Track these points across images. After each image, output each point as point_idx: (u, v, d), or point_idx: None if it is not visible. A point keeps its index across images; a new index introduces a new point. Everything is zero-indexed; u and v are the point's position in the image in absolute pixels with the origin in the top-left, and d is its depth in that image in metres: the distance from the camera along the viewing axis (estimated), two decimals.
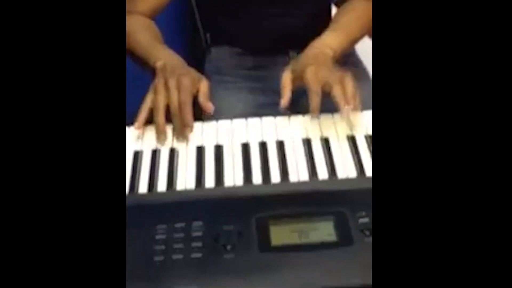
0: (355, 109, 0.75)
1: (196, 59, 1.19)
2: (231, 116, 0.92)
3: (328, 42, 0.88)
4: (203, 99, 0.78)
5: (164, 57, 0.84)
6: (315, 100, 0.75)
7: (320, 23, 1.07)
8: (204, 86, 0.80)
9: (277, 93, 1.04)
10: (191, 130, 0.76)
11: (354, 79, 0.78)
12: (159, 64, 0.81)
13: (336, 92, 0.74)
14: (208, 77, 1.09)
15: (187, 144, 0.75)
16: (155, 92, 0.76)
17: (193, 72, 0.82)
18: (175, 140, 0.76)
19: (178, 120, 0.75)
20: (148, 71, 0.86)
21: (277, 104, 1.03)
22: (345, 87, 0.75)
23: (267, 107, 1.02)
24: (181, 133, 0.76)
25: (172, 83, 0.76)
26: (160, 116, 0.75)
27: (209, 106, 0.78)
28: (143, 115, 0.76)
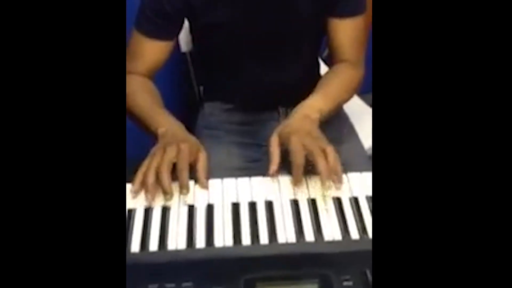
0: (337, 181, 0.79)
1: (189, 113, 1.24)
2: (222, 170, 0.95)
3: (315, 106, 0.92)
4: (200, 175, 0.80)
5: (165, 123, 0.86)
6: (297, 173, 0.78)
7: (309, 79, 1.12)
8: (202, 158, 0.81)
9: (266, 149, 1.08)
10: (187, 193, 0.77)
11: (339, 139, 0.82)
12: (160, 131, 0.84)
13: (319, 166, 0.77)
14: (201, 131, 1.13)
15: (179, 203, 0.78)
16: (152, 156, 0.78)
17: (192, 140, 0.84)
18: (167, 199, 0.78)
19: (166, 183, 0.76)
20: (147, 133, 0.89)
21: (265, 160, 1.07)
22: (328, 160, 0.78)
23: (258, 162, 1.06)
24: (166, 191, 0.76)
25: (170, 149, 0.78)
26: (151, 177, 0.76)
27: (205, 185, 0.79)
28: (139, 178, 0.78)
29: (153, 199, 0.76)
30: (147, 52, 0.98)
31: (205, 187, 0.79)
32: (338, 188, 0.79)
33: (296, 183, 0.78)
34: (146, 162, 0.78)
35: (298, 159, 0.78)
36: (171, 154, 0.77)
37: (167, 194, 0.76)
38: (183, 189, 0.77)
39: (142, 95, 0.94)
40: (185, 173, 0.77)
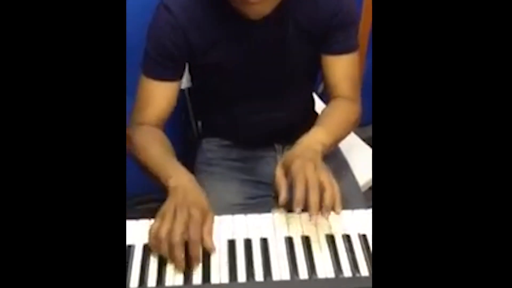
0: (331, 214, 0.79)
1: (188, 148, 1.27)
2: (220, 207, 0.97)
3: (317, 138, 0.93)
4: (207, 238, 0.77)
5: (176, 175, 0.86)
6: (299, 193, 0.78)
7: (305, 117, 1.16)
8: (210, 222, 0.80)
9: (264, 185, 1.11)
10: (198, 264, 0.76)
11: (334, 175, 0.84)
12: (171, 184, 0.84)
13: (310, 201, 0.77)
14: (199, 167, 1.16)
15: None
16: (163, 218, 0.76)
17: (203, 202, 0.82)
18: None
19: (178, 255, 0.74)
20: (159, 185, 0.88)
21: (263, 196, 1.10)
22: (324, 193, 0.79)
23: (255, 198, 1.09)
24: (181, 266, 0.74)
25: (181, 215, 0.76)
26: (164, 248, 0.74)
27: (212, 247, 0.77)
28: (153, 244, 0.76)
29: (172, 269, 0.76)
30: (159, 96, 0.99)
31: (212, 250, 0.78)
32: (329, 223, 0.80)
33: (297, 204, 0.77)
34: (156, 225, 0.76)
35: (299, 181, 0.79)
36: (181, 220, 0.76)
37: (179, 265, 0.74)
38: (195, 262, 0.75)
39: (154, 147, 0.93)
40: (197, 246, 0.75)
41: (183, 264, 0.74)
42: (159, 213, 0.78)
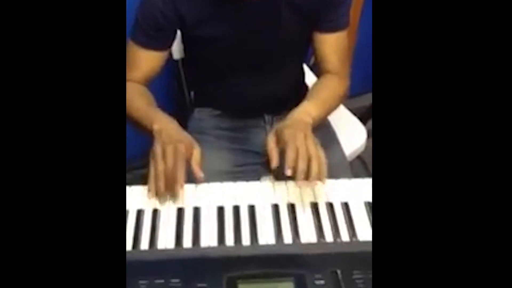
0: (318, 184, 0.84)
1: (181, 117, 1.29)
2: (210, 174, 1.01)
3: (307, 111, 0.98)
4: (195, 167, 0.87)
5: (159, 120, 0.92)
6: (290, 157, 0.82)
7: (294, 88, 1.19)
8: (197, 153, 0.89)
9: (252, 154, 1.15)
10: (181, 189, 0.84)
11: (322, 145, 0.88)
12: (155, 127, 0.90)
13: (300, 165, 0.82)
14: (191, 135, 1.19)
15: (168, 205, 0.84)
16: (155, 160, 0.84)
17: (187, 138, 0.91)
18: (158, 201, 0.85)
19: (170, 184, 0.83)
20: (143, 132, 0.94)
21: (252, 164, 1.14)
22: (311, 163, 0.83)
23: (243, 166, 1.13)
24: (173, 193, 0.84)
25: (169, 151, 0.84)
26: (161, 182, 0.83)
27: (200, 174, 0.87)
28: (153, 186, 0.84)
29: (166, 201, 0.85)
30: (143, 62, 1.04)
31: (200, 178, 0.87)
32: (316, 193, 0.84)
33: (288, 167, 0.82)
34: (152, 169, 0.85)
35: (292, 143, 0.84)
36: (170, 157, 0.84)
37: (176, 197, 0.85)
38: (178, 185, 0.83)
39: (137, 99, 0.99)
40: (181, 173, 0.83)
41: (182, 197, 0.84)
42: (151, 157, 0.86)
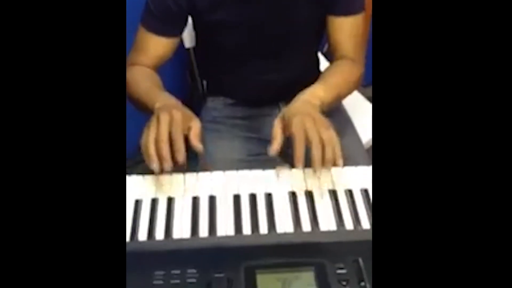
0: (335, 165, 0.81)
1: (194, 107, 1.27)
2: (225, 163, 0.99)
3: (316, 93, 0.94)
4: (193, 138, 0.81)
5: (162, 99, 0.89)
6: (299, 150, 0.80)
7: (309, 76, 1.16)
8: (195, 125, 0.83)
9: (267, 143, 1.12)
10: (182, 159, 0.78)
11: (337, 133, 0.84)
12: (156, 106, 0.86)
13: (314, 156, 0.79)
14: (205, 125, 1.17)
15: (183, 194, 0.82)
16: (148, 127, 0.80)
17: (186, 110, 0.86)
18: (172, 189, 0.83)
19: (165, 154, 0.77)
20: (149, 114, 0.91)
21: (266, 154, 1.11)
22: (325, 148, 0.80)
23: (259, 155, 1.11)
24: (175, 161, 0.78)
25: (164, 118, 0.79)
26: (151, 149, 0.77)
27: (199, 147, 0.81)
28: (144, 151, 0.79)
29: (158, 168, 0.78)
30: (152, 48, 1.02)
31: (199, 150, 0.81)
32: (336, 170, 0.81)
33: (298, 161, 0.79)
34: (144, 135, 0.80)
35: (299, 136, 0.80)
36: (164, 123, 0.79)
37: (166, 163, 0.77)
38: (179, 155, 0.78)
39: (143, 81, 0.97)
40: (179, 142, 0.78)
41: (170, 163, 0.77)
42: (146, 125, 0.81)
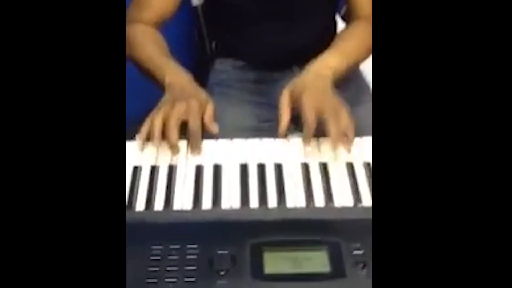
0: (347, 144, 0.76)
1: (201, 69, 1.21)
2: (233, 129, 0.93)
3: (327, 63, 0.88)
4: (208, 121, 0.79)
5: (172, 73, 0.85)
6: (308, 131, 0.76)
7: (324, 39, 1.08)
8: (210, 109, 0.80)
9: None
10: (198, 154, 0.77)
11: (352, 105, 0.79)
12: (167, 81, 0.82)
13: (330, 129, 0.75)
14: (212, 88, 1.10)
15: (186, 162, 0.76)
16: (161, 108, 0.77)
17: (200, 94, 0.82)
18: (174, 157, 0.76)
19: (172, 137, 0.75)
20: (155, 84, 0.86)
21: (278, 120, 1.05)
22: (340, 122, 0.75)
23: (270, 122, 1.04)
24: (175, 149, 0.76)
25: (180, 107, 0.76)
26: (157, 128, 0.75)
27: (214, 128, 0.79)
28: (146, 128, 0.76)
29: (178, 153, 0.76)
30: (155, 2, 0.96)
31: (215, 132, 0.79)
32: (348, 151, 0.76)
33: (306, 142, 0.77)
34: (154, 112, 0.77)
35: (310, 116, 0.76)
36: (180, 109, 0.76)
37: (173, 148, 0.75)
38: (195, 149, 0.76)
39: (149, 45, 0.91)
40: (198, 134, 0.76)
41: (177, 147, 0.76)
42: (157, 105, 0.78)
